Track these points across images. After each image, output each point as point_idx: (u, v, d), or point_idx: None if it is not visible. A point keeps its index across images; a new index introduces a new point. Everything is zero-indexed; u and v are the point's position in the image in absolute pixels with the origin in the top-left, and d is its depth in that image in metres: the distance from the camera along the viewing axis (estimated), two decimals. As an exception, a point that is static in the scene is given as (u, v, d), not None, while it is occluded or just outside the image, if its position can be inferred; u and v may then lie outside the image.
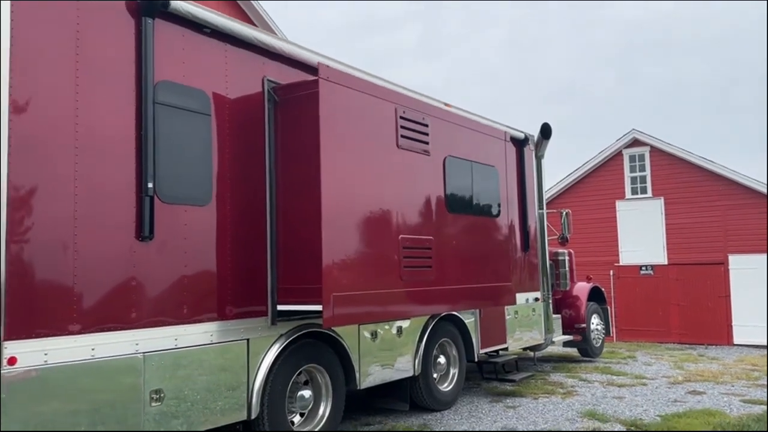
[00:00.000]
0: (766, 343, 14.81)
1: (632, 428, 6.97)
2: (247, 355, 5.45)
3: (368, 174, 5.97)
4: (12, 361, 3.95)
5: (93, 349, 4.37)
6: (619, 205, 17.79)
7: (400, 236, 6.25)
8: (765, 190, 15.76)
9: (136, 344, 4.63)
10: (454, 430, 6.96)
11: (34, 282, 4.10)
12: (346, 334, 6.39)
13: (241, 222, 5.46)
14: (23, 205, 4.06)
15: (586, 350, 12.20)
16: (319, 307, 5.36)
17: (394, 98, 6.37)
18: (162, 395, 4.74)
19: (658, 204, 17.29)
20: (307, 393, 6.05)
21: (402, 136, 6.39)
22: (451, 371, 8.16)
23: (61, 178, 4.28)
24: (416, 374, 7.34)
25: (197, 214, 5.13)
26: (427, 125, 6.77)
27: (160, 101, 4.90)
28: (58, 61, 4.32)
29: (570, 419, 7.37)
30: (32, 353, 4.05)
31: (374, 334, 6.79)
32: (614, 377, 10.31)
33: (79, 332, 4.30)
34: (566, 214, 12.11)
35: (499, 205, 8.07)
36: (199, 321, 5.09)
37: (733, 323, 15.95)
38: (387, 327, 6.97)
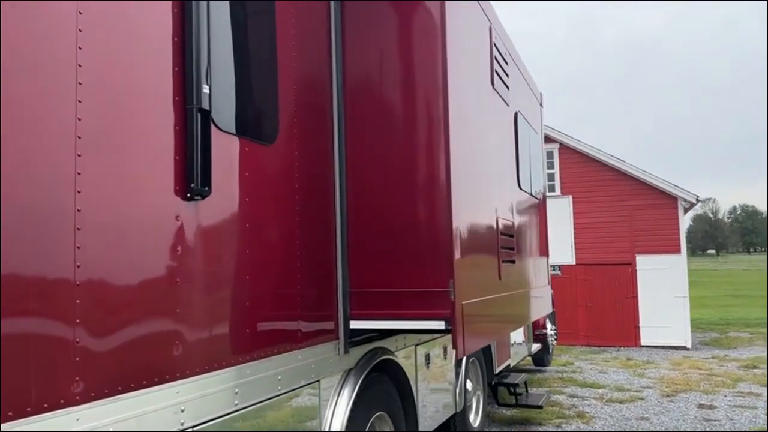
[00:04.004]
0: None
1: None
2: (318, 407, 3.21)
3: (476, 121, 3.95)
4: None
5: (110, 434, 1.96)
6: (528, 202, 16.97)
7: (498, 218, 4.30)
8: (672, 190, 15.70)
9: (181, 410, 2.26)
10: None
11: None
12: (403, 360, 4.29)
13: (308, 177, 3.20)
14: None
15: (542, 359, 10.91)
16: (439, 325, 3.27)
17: (491, 15, 4.39)
18: (219, 507, 2.40)
19: (566, 202, 16.67)
20: (371, 457, 3.87)
21: (495, 73, 4.43)
22: (474, 400, 6.30)
23: (57, 82, 1.84)
24: (458, 410, 5.40)
25: (261, 158, 2.82)
26: (508, 63, 4.86)
27: (213, -62, 2.55)
28: None
29: (637, 455, 5.86)
30: (-13, 464, 1.60)
31: (427, 359, 4.76)
32: (599, 391, 9.06)
33: (88, 398, 1.89)
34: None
35: (542, 183, 6.37)
36: (264, 355, 2.77)
37: (641, 324, 15.70)
38: (437, 348, 4.97)
